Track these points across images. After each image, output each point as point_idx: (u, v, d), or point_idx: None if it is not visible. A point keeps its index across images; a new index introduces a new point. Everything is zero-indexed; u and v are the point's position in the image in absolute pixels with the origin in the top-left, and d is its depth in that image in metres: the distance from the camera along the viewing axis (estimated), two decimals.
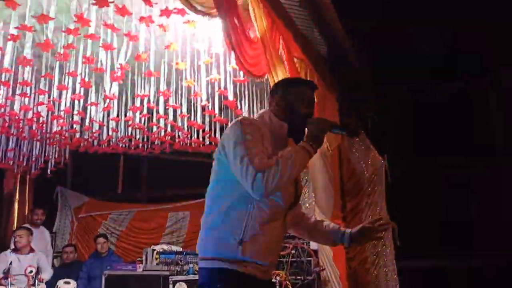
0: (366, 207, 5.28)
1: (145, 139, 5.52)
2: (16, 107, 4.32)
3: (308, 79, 3.79)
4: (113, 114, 4.72)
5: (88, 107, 4.50)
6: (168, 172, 7.24)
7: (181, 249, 5.20)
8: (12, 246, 4.86)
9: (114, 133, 5.21)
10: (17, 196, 6.49)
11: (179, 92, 4.36)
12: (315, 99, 1.83)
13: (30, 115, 4.58)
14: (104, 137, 5.28)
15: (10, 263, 4.49)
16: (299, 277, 4.30)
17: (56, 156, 5.96)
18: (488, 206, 5.64)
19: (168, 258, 4.63)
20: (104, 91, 4.15)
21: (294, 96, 1.77)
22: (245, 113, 4.40)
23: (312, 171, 4.17)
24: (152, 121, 4.81)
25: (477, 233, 5.55)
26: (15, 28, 3.12)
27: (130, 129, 5.17)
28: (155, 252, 4.74)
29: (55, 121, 4.84)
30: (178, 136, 5.13)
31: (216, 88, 3.97)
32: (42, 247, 5.48)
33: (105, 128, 5.07)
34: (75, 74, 3.84)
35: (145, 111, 4.56)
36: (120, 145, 5.55)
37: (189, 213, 6.65)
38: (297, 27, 3.70)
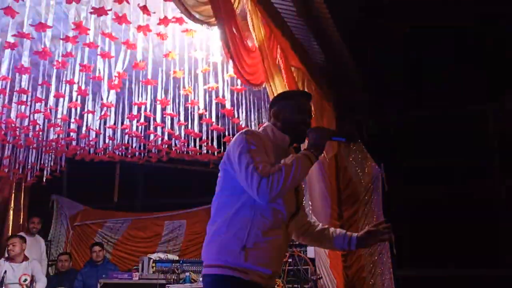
0: (362, 216, 5.29)
1: (142, 147, 5.51)
2: (13, 114, 4.31)
3: (305, 88, 3.82)
4: (110, 122, 4.72)
5: (85, 115, 4.50)
6: (164, 180, 7.21)
7: (177, 258, 5.17)
8: (6, 255, 4.81)
9: (110, 141, 5.20)
10: (12, 204, 6.44)
11: (177, 101, 4.37)
12: (312, 108, 1.92)
13: (26, 122, 4.57)
14: (101, 145, 5.27)
15: (5, 272, 4.45)
16: (296, 286, 4.29)
17: (52, 164, 5.94)
18: (485, 217, 5.66)
19: (164, 267, 4.61)
20: (102, 99, 4.15)
21: (290, 107, 1.87)
22: (242, 122, 4.41)
23: (309, 179, 4.17)
24: (149, 129, 4.81)
25: (476, 242, 5.56)
26: (13, 35, 3.12)
27: (127, 137, 5.16)
28: (151, 260, 4.72)
29: (51, 129, 4.83)
30: (175, 144, 5.13)
31: (214, 97, 3.98)
32: (37, 256, 5.43)
33: (101, 136, 5.06)
34: (73, 82, 3.84)
35: (142, 119, 4.55)
36: (117, 153, 5.54)
37: (185, 221, 6.62)
38: (295, 36, 3.73)
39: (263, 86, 3.11)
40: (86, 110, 4.42)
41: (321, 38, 3.89)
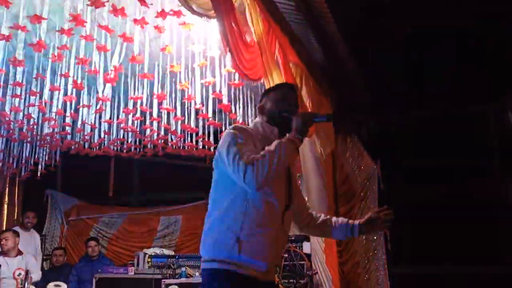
0: (358, 212, 5.30)
1: (138, 142, 5.48)
2: (7, 108, 4.25)
3: (303, 84, 3.80)
4: (106, 116, 4.68)
5: (80, 109, 4.45)
6: (160, 176, 7.18)
7: (173, 253, 5.17)
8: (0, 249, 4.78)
9: (106, 136, 5.15)
10: (6, 199, 6.39)
11: (173, 95, 4.33)
12: (296, 97, 1.95)
13: (21, 116, 4.52)
14: (96, 140, 5.23)
15: None
16: (291, 281, 4.31)
17: (47, 158, 5.88)
18: (483, 215, 5.69)
19: (160, 262, 4.60)
20: (97, 93, 4.11)
21: (273, 99, 1.92)
22: (239, 117, 4.38)
23: (306, 175, 4.17)
24: (145, 124, 4.77)
25: (475, 240, 5.59)
26: (8, 27, 3.07)
27: (122, 131, 5.12)
28: (147, 255, 4.71)
29: (46, 123, 4.78)
30: (171, 139, 5.10)
31: (211, 92, 3.96)
32: (32, 250, 5.41)
33: (96, 130, 5.02)
34: (68, 76, 3.79)
35: (138, 114, 4.52)
36: (112, 148, 5.50)
37: (181, 217, 6.60)
38: (293, 32, 3.71)
39: (261, 81, 3.09)
40: (81, 104, 4.38)
41: (320, 36, 3.88)
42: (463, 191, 5.89)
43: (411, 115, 6.23)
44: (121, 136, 5.20)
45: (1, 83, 3.92)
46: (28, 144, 5.71)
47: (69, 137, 5.24)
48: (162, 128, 4.74)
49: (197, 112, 4.41)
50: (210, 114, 4.13)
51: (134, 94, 4.21)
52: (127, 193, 7.47)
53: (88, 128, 4.82)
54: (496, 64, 5.25)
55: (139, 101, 4.27)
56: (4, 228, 5.95)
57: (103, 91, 3.95)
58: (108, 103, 4.42)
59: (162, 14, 3.02)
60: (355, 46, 4.44)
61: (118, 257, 6.26)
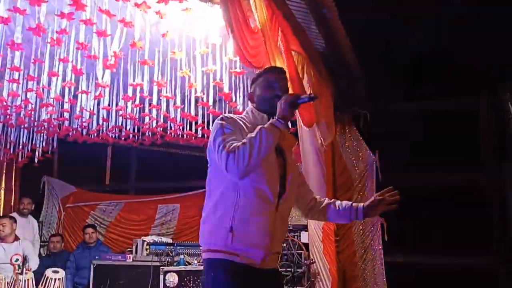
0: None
1: (136, 130, 5.44)
2: (5, 93, 4.20)
3: (305, 73, 3.78)
4: (104, 103, 4.63)
5: (79, 95, 4.40)
6: (157, 164, 7.17)
7: (171, 241, 5.18)
8: None
9: (104, 123, 5.11)
10: (3, 184, 6.36)
11: (173, 83, 4.29)
12: (284, 81, 1.92)
13: (18, 101, 4.46)
14: (94, 127, 5.19)
15: None
16: (289, 270, 4.34)
17: (44, 144, 5.85)
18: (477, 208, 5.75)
19: (158, 249, 4.61)
20: (96, 79, 4.06)
21: (261, 86, 1.90)
22: (239, 106, 4.36)
23: (306, 165, 4.17)
24: (144, 111, 4.73)
25: (466, 230, 5.65)
26: (7, 10, 3.02)
27: (121, 119, 5.08)
28: (145, 243, 4.71)
29: (43, 109, 4.73)
30: (170, 127, 5.07)
31: (211, 80, 3.92)
32: (30, 236, 5.40)
33: (95, 117, 4.97)
34: (67, 61, 3.74)
35: (137, 101, 4.47)
36: (110, 135, 5.46)
37: (178, 205, 6.60)
38: (296, 20, 3.67)
39: None
40: (80, 90, 4.33)
41: (322, 24, 3.84)
42: (457, 181, 5.94)
43: (409, 107, 6.24)
44: (120, 124, 5.16)
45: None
46: (25, 130, 5.65)
47: (66, 123, 5.19)
48: (161, 116, 4.70)
49: (196, 100, 4.37)
50: (210, 102, 4.10)
51: (133, 80, 4.16)
52: (124, 182, 7.45)
53: (86, 115, 4.77)
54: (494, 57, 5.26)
55: (138, 88, 4.23)
56: (1, 214, 5.94)
57: (102, 77, 3.89)
58: (107, 89, 4.38)
59: None
60: (357, 37, 4.41)
61: (116, 244, 6.27)
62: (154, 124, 5.00)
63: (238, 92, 4.38)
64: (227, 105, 4.54)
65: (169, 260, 4.37)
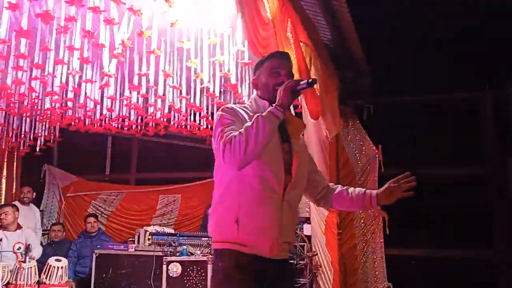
0: None
1: (140, 120, 5.42)
2: (9, 80, 4.16)
3: (311, 64, 3.78)
4: (109, 92, 4.61)
5: (84, 84, 4.38)
6: (158, 155, 7.16)
7: (173, 231, 5.19)
8: None
9: (108, 113, 5.09)
10: (5, 173, 6.34)
11: (179, 73, 4.28)
12: (288, 66, 1.87)
13: (23, 89, 4.43)
14: (98, 116, 5.16)
15: (0, 240, 4.41)
16: (291, 261, 4.36)
17: (46, 133, 5.82)
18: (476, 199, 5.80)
19: (160, 239, 4.61)
20: (102, 68, 4.04)
21: (263, 73, 1.87)
22: (245, 97, 4.35)
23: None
24: (149, 101, 4.72)
25: (466, 224, 5.71)
26: None
27: (125, 109, 5.06)
28: (147, 233, 4.71)
29: (47, 98, 4.69)
30: (175, 118, 5.05)
31: (218, 70, 3.90)
32: (31, 225, 5.40)
33: (99, 106, 4.95)
34: (73, 49, 3.71)
35: (143, 91, 4.45)
36: (114, 125, 5.44)
37: (180, 196, 6.61)
38: (305, 11, 3.66)
39: None
40: (84, 78, 4.30)
41: (331, 17, 3.83)
42: (457, 175, 5.98)
43: (413, 100, 6.27)
44: (124, 113, 5.14)
45: (5, 55, 3.83)
46: (28, 119, 5.62)
47: (70, 112, 5.16)
48: (166, 106, 4.68)
49: (202, 90, 4.36)
50: (217, 93, 4.09)
51: (140, 70, 4.14)
52: (124, 172, 7.45)
53: (91, 104, 4.75)
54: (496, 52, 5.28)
55: (144, 78, 4.21)
56: (2, 203, 5.93)
57: (108, 66, 3.87)
58: (113, 78, 4.35)
59: None
60: (363, 31, 4.41)
61: (117, 234, 6.28)
62: (159, 115, 4.98)
63: (244, 84, 4.37)
64: (233, 96, 4.53)
65: (172, 250, 4.38)
